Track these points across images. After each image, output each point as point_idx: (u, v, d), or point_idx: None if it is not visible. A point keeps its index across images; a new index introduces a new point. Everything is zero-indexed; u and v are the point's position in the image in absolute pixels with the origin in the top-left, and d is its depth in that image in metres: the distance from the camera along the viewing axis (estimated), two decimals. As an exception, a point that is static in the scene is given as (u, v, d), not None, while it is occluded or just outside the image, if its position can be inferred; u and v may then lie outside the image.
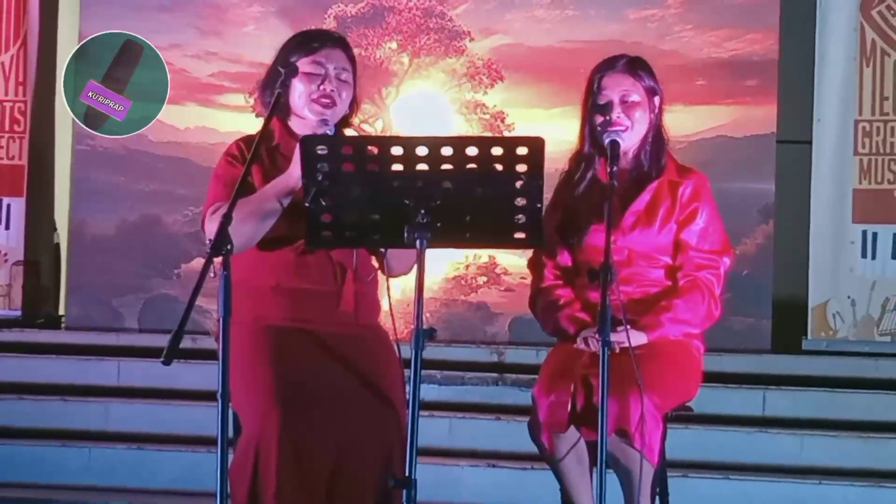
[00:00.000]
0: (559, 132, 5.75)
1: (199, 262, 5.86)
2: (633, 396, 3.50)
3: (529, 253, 4.00)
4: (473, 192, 3.17)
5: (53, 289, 6.94)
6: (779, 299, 6.47)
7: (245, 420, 3.43)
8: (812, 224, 6.24)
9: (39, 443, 5.68)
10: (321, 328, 3.54)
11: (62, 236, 6.99)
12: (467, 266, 6.72)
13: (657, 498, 3.69)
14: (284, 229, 3.48)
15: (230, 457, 3.18)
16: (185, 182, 6.80)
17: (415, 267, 3.16)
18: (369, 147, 3.20)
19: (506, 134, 6.56)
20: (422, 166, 3.14)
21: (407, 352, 3.20)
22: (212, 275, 3.07)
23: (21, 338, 6.48)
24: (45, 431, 5.77)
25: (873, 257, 6.18)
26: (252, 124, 3.82)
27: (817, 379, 5.87)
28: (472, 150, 3.13)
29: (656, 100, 3.87)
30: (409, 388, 3.13)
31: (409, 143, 3.14)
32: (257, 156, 3.47)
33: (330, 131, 3.58)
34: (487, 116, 6.78)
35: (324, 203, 3.21)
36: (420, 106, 6.83)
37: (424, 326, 3.11)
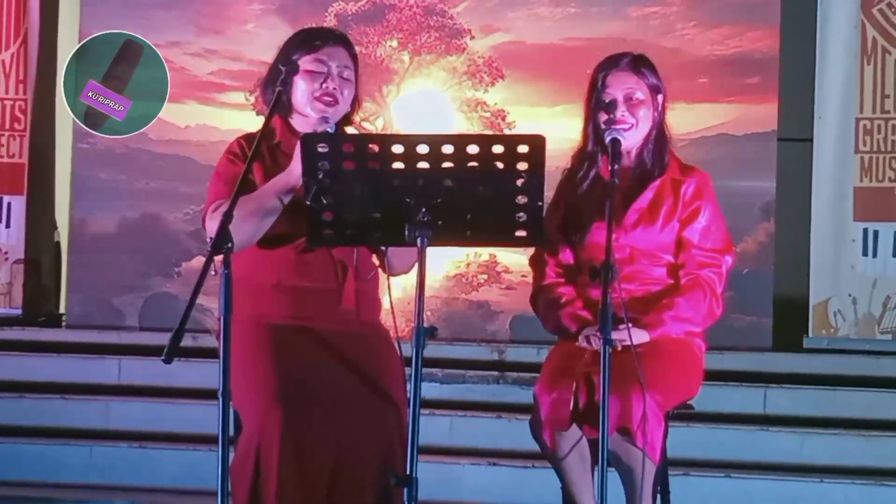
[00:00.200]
0: (560, 130, 5.75)
1: (199, 261, 5.86)
2: (636, 395, 3.50)
3: (530, 251, 4.00)
4: (474, 190, 3.16)
5: (54, 287, 6.94)
6: (780, 297, 6.46)
7: (246, 418, 3.43)
8: (813, 222, 6.24)
9: (40, 441, 5.68)
10: (322, 326, 3.54)
11: (63, 235, 6.98)
12: (468, 264, 6.72)
13: (658, 496, 3.68)
14: (285, 227, 3.48)
15: (231, 455, 3.18)
16: (186, 180, 6.79)
17: (416, 265, 3.16)
18: (370, 145, 3.20)
19: (507, 132, 6.55)
20: (423, 164, 3.14)
21: (408, 350, 3.20)
22: (213, 273, 3.07)
23: (22, 336, 6.48)
24: (46, 430, 5.77)
25: (874, 255, 6.18)
26: (253, 122, 3.83)
27: (818, 377, 5.87)
28: (473, 148, 3.13)
29: (660, 98, 3.87)
30: (409, 387, 3.13)
31: (410, 140, 3.14)
32: (258, 154, 3.47)
33: (330, 129, 3.58)
34: (488, 114, 6.77)
35: (325, 201, 3.21)
36: (421, 104, 6.82)
37: (425, 324, 3.11)
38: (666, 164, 3.86)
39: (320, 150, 3.18)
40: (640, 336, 3.65)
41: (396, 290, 3.61)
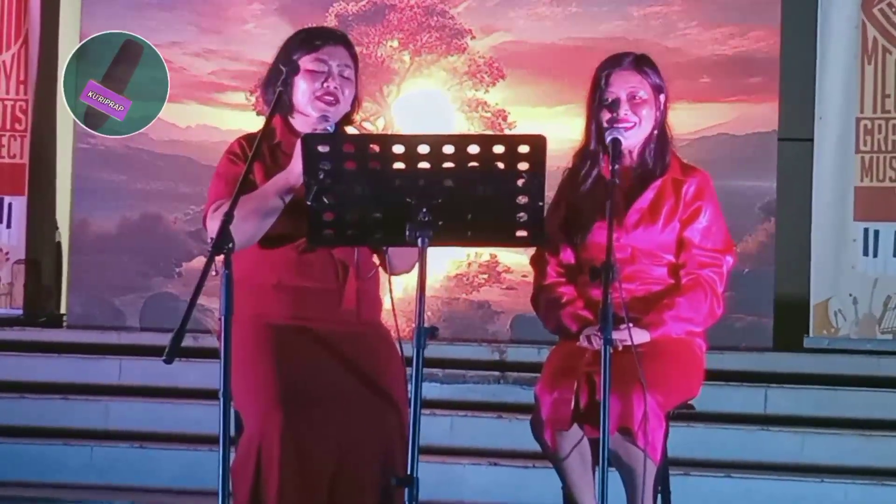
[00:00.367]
0: (561, 130, 5.75)
1: (200, 261, 5.86)
2: (636, 394, 3.50)
3: (531, 251, 4.00)
4: (475, 190, 3.16)
5: (55, 287, 6.94)
6: (780, 297, 6.46)
7: (247, 419, 3.43)
8: (814, 222, 6.24)
9: (41, 441, 5.68)
10: (323, 326, 3.53)
11: (63, 235, 6.98)
12: (469, 264, 6.72)
13: (659, 496, 3.68)
14: (286, 227, 3.48)
15: (232, 455, 3.18)
16: (187, 180, 6.80)
17: (416, 265, 3.16)
18: (371, 145, 3.20)
19: (507, 132, 6.55)
20: (423, 164, 3.14)
21: (408, 350, 3.20)
22: (213, 273, 3.07)
23: (22, 336, 6.48)
24: (46, 430, 5.76)
25: (875, 255, 6.18)
26: (253, 122, 3.83)
27: (819, 377, 5.86)
28: (473, 148, 3.13)
29: (662, 97, 3.87)
30: (410, 387, 3.13)
31: (411, 141, 3.14)
32: (259, 154, 3.47)
33: (330, 128, 3.58)
34: (489, 115, 6.77)
35: (325, 201, 3.21)
36: (421, 104, 6.82)
37: (426, 325, 3.11)
38: (667, 164, 3.86)
39: (321, 150, 3.18)
40: (640, 336, 3.65)
41: (397, 291, 3.61)
